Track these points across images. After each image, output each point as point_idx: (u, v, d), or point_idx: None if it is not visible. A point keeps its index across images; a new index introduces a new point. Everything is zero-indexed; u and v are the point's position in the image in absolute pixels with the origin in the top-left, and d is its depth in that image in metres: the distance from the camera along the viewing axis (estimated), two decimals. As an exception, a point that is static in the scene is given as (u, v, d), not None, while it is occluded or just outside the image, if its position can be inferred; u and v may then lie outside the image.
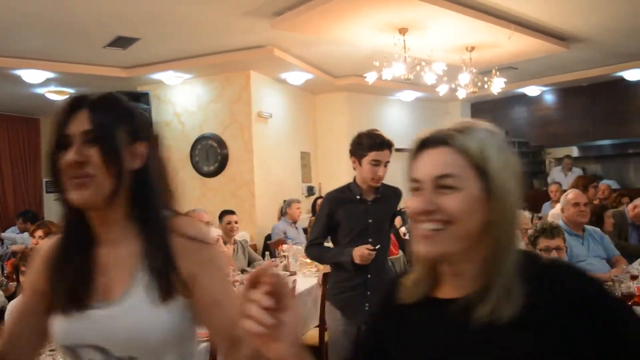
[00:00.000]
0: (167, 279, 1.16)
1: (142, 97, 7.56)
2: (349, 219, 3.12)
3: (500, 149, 0.99)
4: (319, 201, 7.67)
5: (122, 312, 1.14)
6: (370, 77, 6.18)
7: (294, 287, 3.77)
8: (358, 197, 3.13)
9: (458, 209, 0.96)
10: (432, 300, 1.05)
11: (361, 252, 3.00)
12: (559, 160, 11.84)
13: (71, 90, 8.22)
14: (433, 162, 1.00)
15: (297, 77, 7.72)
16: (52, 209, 9.67)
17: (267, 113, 7.80)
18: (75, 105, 1.18)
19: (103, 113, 1.18)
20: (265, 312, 0.82)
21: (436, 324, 1.02)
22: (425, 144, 1.03)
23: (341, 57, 7.20)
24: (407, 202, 1.03)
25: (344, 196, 3.15)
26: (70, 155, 1.11)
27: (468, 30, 5.94)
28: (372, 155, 2.99)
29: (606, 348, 0.89)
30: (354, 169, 3.11)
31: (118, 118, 1.20)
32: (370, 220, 3.14)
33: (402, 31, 5.76)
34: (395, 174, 6.15)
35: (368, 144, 3.00)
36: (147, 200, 1.23)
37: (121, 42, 6.23)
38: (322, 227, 3.21)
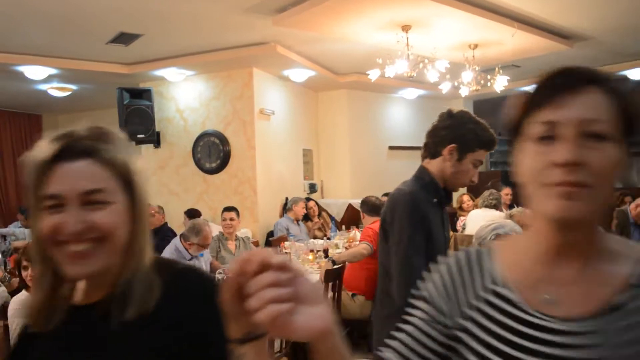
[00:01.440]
0: None
1: (145, 94, 7.58)
2: (435, 229, 2.24)
3: (133, 158, 1.00)
4: (310, 204, 7.69)
5: None
6: (373, 75, 6.17)
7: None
8: (435, 200, 2.29)
9: (112, 224, 0.97)
10: (74, 311, 1.04)
11: None
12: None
13: (74, 87, 8.24)
14: (75, 176, 0.96)
15: (300, 74, 7.71)
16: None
17: (270, 110, 7.80)
18: None
19: None
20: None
21: (76, 332, 1.02)
22: (60, 156, 0.97)
23: (344, 55, 7.19)
24: (44, 223, 0.95)
25: (428, 197, 2.27)
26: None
27: (471, 27, 5.92)
28: (480, 154, 2.26)
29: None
30: (444, 160, 2.25)
31: None
32: (446, 234, 2.39)
33: (405, 28, 5.75)
34: (395, 173, 6.17)
35: (481, 139, 2.24)
36: None
37: (124, 38, 6.23)
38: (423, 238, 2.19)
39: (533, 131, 0.87)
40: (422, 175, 2.31)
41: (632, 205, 5.65)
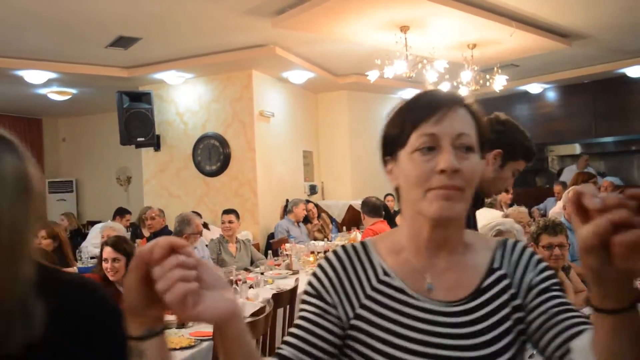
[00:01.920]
0: None
1: (144, 97, 7.60)
2: None
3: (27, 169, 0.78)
4: (309, 206, 7.69)
5: None
6: (372, 76, 6.18)
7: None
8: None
9: None
10: None
11: None
12: (561, 158, 11.85)
13: (73, 91, 8.26)
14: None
15: (299, 75, 7.72)
16: (53, 209, 9.69)
17: (269, 112, 7.80)
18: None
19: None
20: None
21: None
22: None
23: (343, 56, 7.20)
24: None
25: None
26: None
27: (469, 27, 5.93)
28: (521, 164, 2.22)
29: None
30: (486, 164, 2.11)
31: None
32: None
33: (404, 29, 5.76)
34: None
35: (525, 150, 2.21)
36: None
37: (123, 42, 6.24)
38: None
39: (417, 142, 0.99)
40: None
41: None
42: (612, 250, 0.66)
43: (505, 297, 1.02)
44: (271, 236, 7.33)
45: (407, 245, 1.07)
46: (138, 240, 6.42)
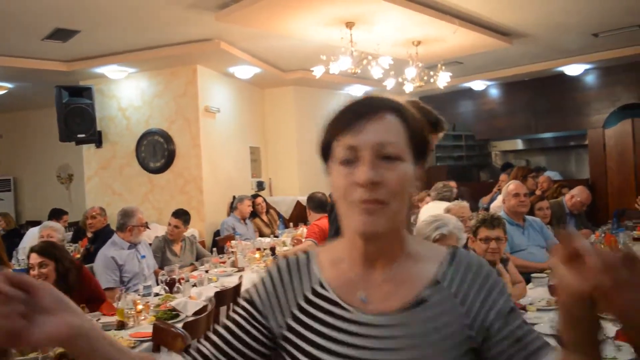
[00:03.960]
0: None
1: (85, 92, 7.37)
2: None
3: None
4: (257, 200, 7.64)
5: None
6: (318, 71, 6.17)
7: None
8: None
9: None
10: None
11: None
12: (504, 154, 12.18)
13: (9, 85, 7.93)
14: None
15: (245, 71, 7.64)
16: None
17: (215, 107, 7.69)
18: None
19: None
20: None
21: None
22: None
23: (289, 51, 7.16)
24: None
25: None
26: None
27: (413, 24, 6.00)
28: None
29: None
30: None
31: None
32: None
33: (349, 25, 5.77)
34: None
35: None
36: None
37: (61, 34, 6.01)
38: None
39: (339, 154, 0.97)
40: None
41: (567, 195, 5.87)
42: (604, 301, 0.72)
43: (445, 309, 0.98)
44: (217, 233, 7.24)
45: (345, 256, 1.05)
46: (80, 242, 6.24)
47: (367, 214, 0.93)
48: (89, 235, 6.15)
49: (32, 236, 6.11)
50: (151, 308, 3.64)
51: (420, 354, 0.94)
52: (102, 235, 5.74)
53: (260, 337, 1.03)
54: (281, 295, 1.05)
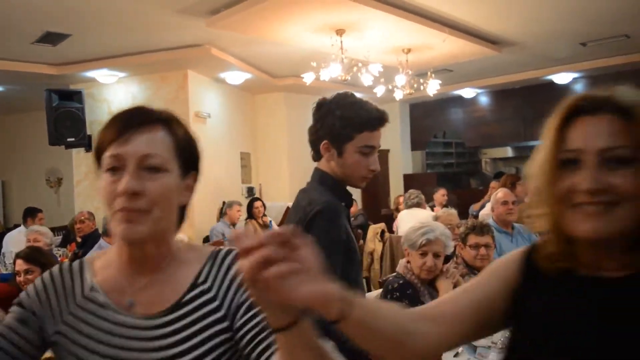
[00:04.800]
0: None
1: (75, 96, 7.31)
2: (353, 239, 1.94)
3: None
4: (257, 203, 7.63)
5: None
6: (308, 78, 6.19)
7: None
8: (344, 204, 1.96)
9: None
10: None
11: None
12: (494, 161, 12.25)
13: (0, 88, 7.88)
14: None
15: (236, 76, 7.64)
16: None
17: (205, 113, 7.68)
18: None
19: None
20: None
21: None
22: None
23: (280, 58, 7.17)
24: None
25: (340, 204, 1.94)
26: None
27: (403, 32, 6.04)
28: (364, 138, 1.88)
29: None
30: (327, 160, 1.95)
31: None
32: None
33: (339, 32, 5.80)
34: None
35: (355, 123, 1.87)
36: None
37: (51, 38, 5.99)
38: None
39: (106, 162, 0.99)
40: (323, 179, 1.96)
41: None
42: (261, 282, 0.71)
43: (205, 309, 1.04)
44: (207, 239, 7.22)
45: (116, 260, 1.08)
46: (68, 246, 6.21)
47: (127, 222, 0.97)
48: (78, 239, 6.12)
49: (12, 239, 6.09)
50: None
51: (178, 351, 1.00)
52: (91, 240, 5.72)
53: (35, 339, 1.04)
54: (53, 301, 1.07)
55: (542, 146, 1.00)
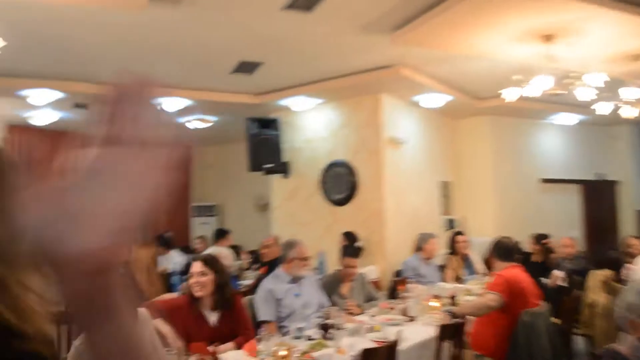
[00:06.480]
0: None
1: (272, 123, 7.58)
2: None
3: None
4: (460, 237, 6.92)
5: None
6: (508, 95, 5.37)
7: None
8: None
9: None
10: None
11: None
12: None
13: (213, 119, 8.36)
14: None
15: (432, 99, 7.24)
16: (197, 232, 9.96)
17: (400, 138, 7.34)
18: None
19: None
20: None
21: None
22: None
23: (481, 75, 6.51)
24: None
25: None
26: None
27: (632, 33, 4.96)
28: None
29: None
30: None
31: None
32: None
33: (548, 39, 4.95)
34: (549, 210, 5.35)
35: None
36: None
37: (245, 67, 6.19)
38: None
39: None
40: None
41: None
42: None
43: None
44: (398, 273, 6.74)
45: None
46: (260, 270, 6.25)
47: None
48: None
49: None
50: (294, 356, 3.27)
51: None
52: (274, 266, 5.65)
53: None
54: None
55: None
